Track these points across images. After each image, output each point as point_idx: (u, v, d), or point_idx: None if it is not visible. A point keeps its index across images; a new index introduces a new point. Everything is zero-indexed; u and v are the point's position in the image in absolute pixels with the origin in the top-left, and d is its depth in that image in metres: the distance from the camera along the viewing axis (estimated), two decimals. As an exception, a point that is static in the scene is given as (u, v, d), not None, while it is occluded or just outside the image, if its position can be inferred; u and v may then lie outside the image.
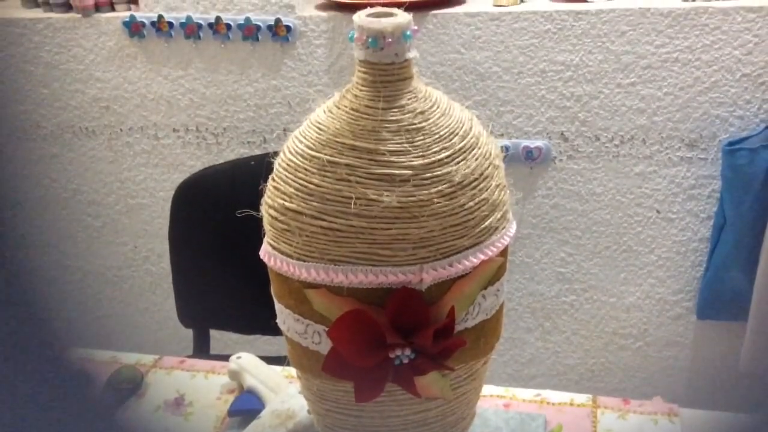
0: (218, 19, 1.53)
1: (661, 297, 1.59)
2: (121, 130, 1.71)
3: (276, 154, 0.67)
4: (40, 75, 1.69)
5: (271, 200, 0.65)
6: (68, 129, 1.73)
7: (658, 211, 1.52)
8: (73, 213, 1.82)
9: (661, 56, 1.40)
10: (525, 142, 1.51)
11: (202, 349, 1.42)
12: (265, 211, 0.66)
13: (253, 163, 1.40)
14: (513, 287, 1.64)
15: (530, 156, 1.51)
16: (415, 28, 0.61)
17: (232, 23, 1.53)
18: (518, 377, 1.73)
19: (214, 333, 1.46)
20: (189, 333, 1.43)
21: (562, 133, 1.49)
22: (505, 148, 1.50)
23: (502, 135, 1.51)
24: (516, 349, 1.70)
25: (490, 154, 0.66)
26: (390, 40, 0.59)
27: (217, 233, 1.35)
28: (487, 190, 0.64)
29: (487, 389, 0.83)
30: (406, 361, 0.62)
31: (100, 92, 1.68)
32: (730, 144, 1.39)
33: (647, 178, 1.49)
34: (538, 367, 1.71)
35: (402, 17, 0.60)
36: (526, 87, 1.47)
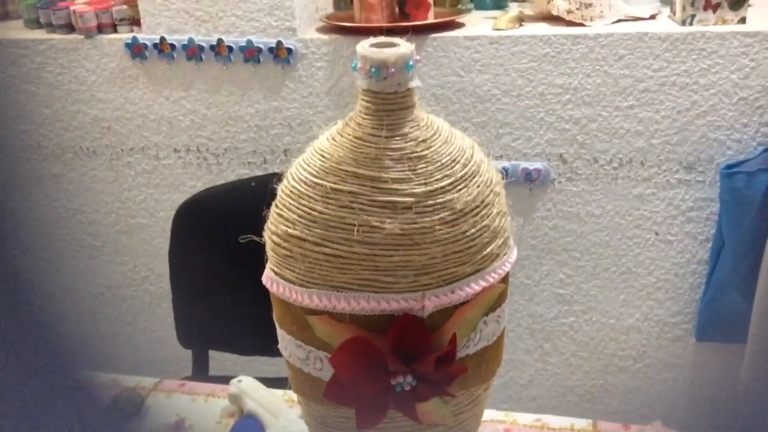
0: (220, 41, 1.54)
1: (660, 319, 1.59)
2: (122, 150, 1.71)
3: (278, 177, 0.68)
4: (42, 95, 1.71)
5: (274, 226, 0.65)
6: (69, 149, 1.74)
7: (656, 233, 1.52)
8: (73, 232, 1.82)
9: (658, 80, 1.41)
10: (524, 164, 1.51)
11: (201, 369, 1.42)
12: (268, 237, 0.67)
13: (253, 184, 1.41)
14: (512, 308, 1.64)
15: (529, 178, 1.52)
16: (418, 58, 0.62)
17: (233, 45, 1.54)
18: (517, 399, 1.72)
19: (213, 353, 1.45)
20: (188, 353, 1.43)
21: (561, 155, 1.50)
22: (505, 170, 1.51)
23: (501, 157, 1.52)
24: (515, 371, 1.70)
25: (491, 182, 0.66)
26: (393, 70, 0.60)
27: (217, 254, 1.36)
28: (488, 217, 0.65)
29: (487, 414, 0.83)
30: (407, 387, 0.63)
31: (102, 113, 1.69)
32: (728, 167, 1.40)
33: (646, 201, 1.50)
34: (538, 388, 1.71)
35: (405, 47, 0.61)
36: (525, 109, 1.48)
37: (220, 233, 1.33)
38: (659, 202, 1.50)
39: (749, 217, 1.39)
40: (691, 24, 1.40)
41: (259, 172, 1.64)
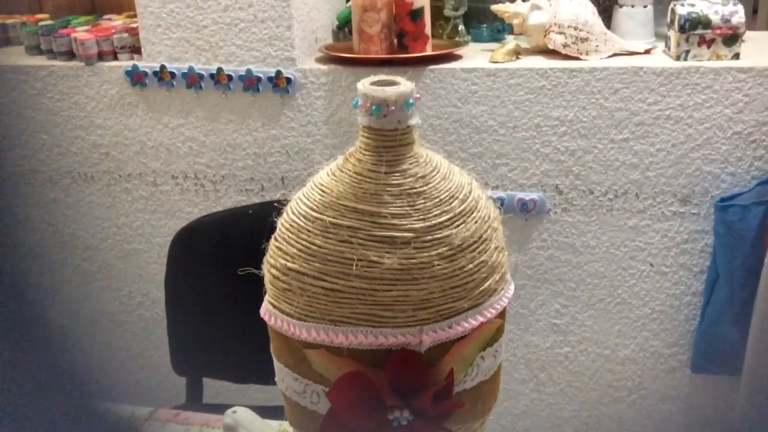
0: (220, 70, 1.56)
1: (656, 350, 1.59)
2: (119, 176, 1.72)
3: (276, 207, 0.68)
4: (41, 121, 1.71)
5: (273, 260, 0.66)
6: (67, 174, 1.75)
7: (651, 265, 1.53)
8: (70, 257, 1.82)
9: (653, 113, 1.43)
10: (520, 195, 1.52)
11: (195, 397, 1.41)
12: (267, 270, 0.67)
13: (251, 212, 1.41)
14: (508, 338, 1.64)
15: (525, 208, 1.53)
16: (418, 96, 0.63)
17: (233, 74, 1.55)
18: (512, 429, 1.71)
19: (207, 381, 1.45)
20: (182, 380, 1.42)
21: (556, 186, 1.51)
22: (501, 200, 1.52)
23: (497, 187, 1.53)
24: (510, 401, 1.70)
25: (489, 217, 0.67)
26: (393, 108, 0.61)
27: (213, 281, 1.36)
28: (486, 252, 0.65)
29: (483, 447, 0.83)
30: (404, 422, 0.63)
31: (101, 139, 1.70)
32: (722, 200, 1.42)
33: (641, 232, 1.51)
34: (533, 419, 1.70)
35: (405, 86, 0.62)
36: (521, 141, 1.50)
37: (216, 260, 1.34)
38: (654, 233, 1.51)
39: (743, 250, 1.40)
40: (685, 59, 1.42)
41: (256, 200, 1.64)
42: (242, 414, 0.89)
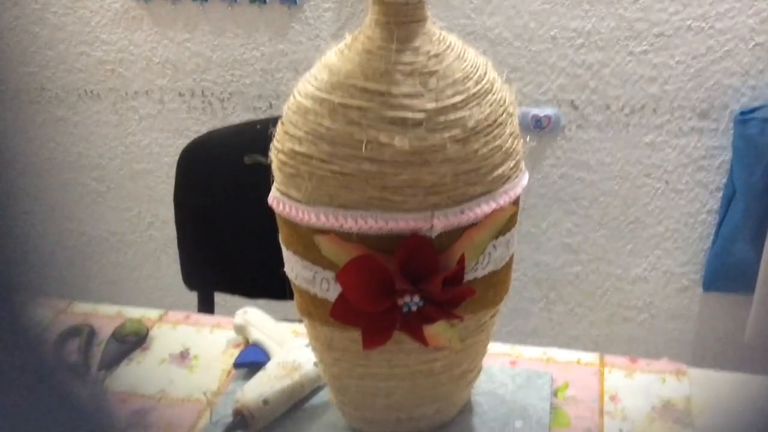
0: (226, -20, 1.51)
1: (668, 269, 1.58)
2: (126, 93, 1.69)
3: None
4: (45, 37, 1.68)
5: (281, 144, 0.64)
6: (73, 92, 1.72)
7: (666, 182, 1.50)
8: (78, 177, 1.81)
9: (674, 24, 1.38)
10: (534, 110, 1.49)
11: (206, 312, 1.42)
12: (274, 155, 0.65)
13: (258, 127, 1.39)
14: (518, 257, 1.63)
15: (539, 124, 1.50)
16: (431, -34, 0.59)
17: (239, -15, 1.51)
18: (522, 348, 1.72)
19: (218, 299, 1.45)
20: (193, 299, 1.42)
21: (572, 102, 1.48)
22: (514, 116, 1.49)
23: (510, 102, 1.50)
24: (520, 320, 1.70)
25: (505, 101, 0.64)
26: (405, -23, 0.58)
27: (222, 195, 1.35)
28: (500, 137, 0.63)
29: (493, 347, 0.82)
30: (414, 308, 0.62)
31: (106, 55, 1.66)
32: (742, 113, 1.38)
33: (657, 149, 1.48)
34: (542, 337, 1.71)
35: (417, -46, 0.59)
36: (536, 54, 1.45)
37: (224, 174, 1.32)
38: (671, 150, 1.48)
39: (762, 164, 1.37)
40: (709, -35, 1.36)
41: (264, 117, 1.62)
42: (253, 314, 0.89)
